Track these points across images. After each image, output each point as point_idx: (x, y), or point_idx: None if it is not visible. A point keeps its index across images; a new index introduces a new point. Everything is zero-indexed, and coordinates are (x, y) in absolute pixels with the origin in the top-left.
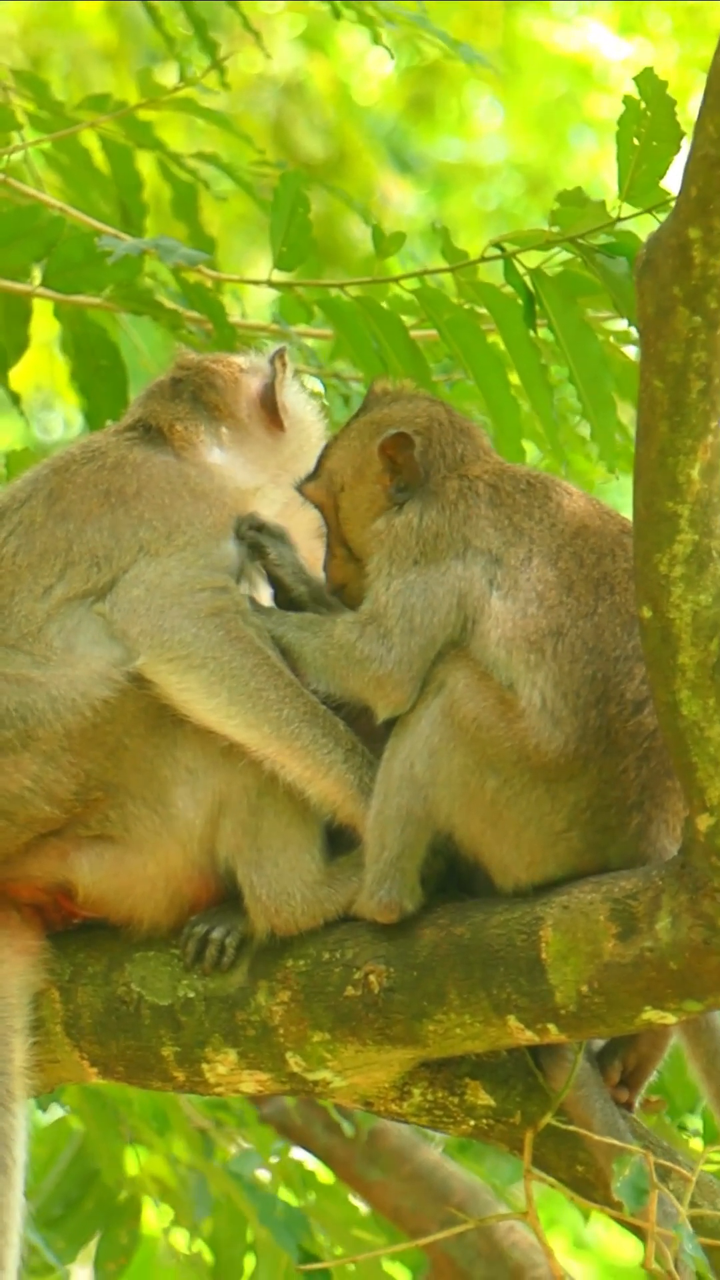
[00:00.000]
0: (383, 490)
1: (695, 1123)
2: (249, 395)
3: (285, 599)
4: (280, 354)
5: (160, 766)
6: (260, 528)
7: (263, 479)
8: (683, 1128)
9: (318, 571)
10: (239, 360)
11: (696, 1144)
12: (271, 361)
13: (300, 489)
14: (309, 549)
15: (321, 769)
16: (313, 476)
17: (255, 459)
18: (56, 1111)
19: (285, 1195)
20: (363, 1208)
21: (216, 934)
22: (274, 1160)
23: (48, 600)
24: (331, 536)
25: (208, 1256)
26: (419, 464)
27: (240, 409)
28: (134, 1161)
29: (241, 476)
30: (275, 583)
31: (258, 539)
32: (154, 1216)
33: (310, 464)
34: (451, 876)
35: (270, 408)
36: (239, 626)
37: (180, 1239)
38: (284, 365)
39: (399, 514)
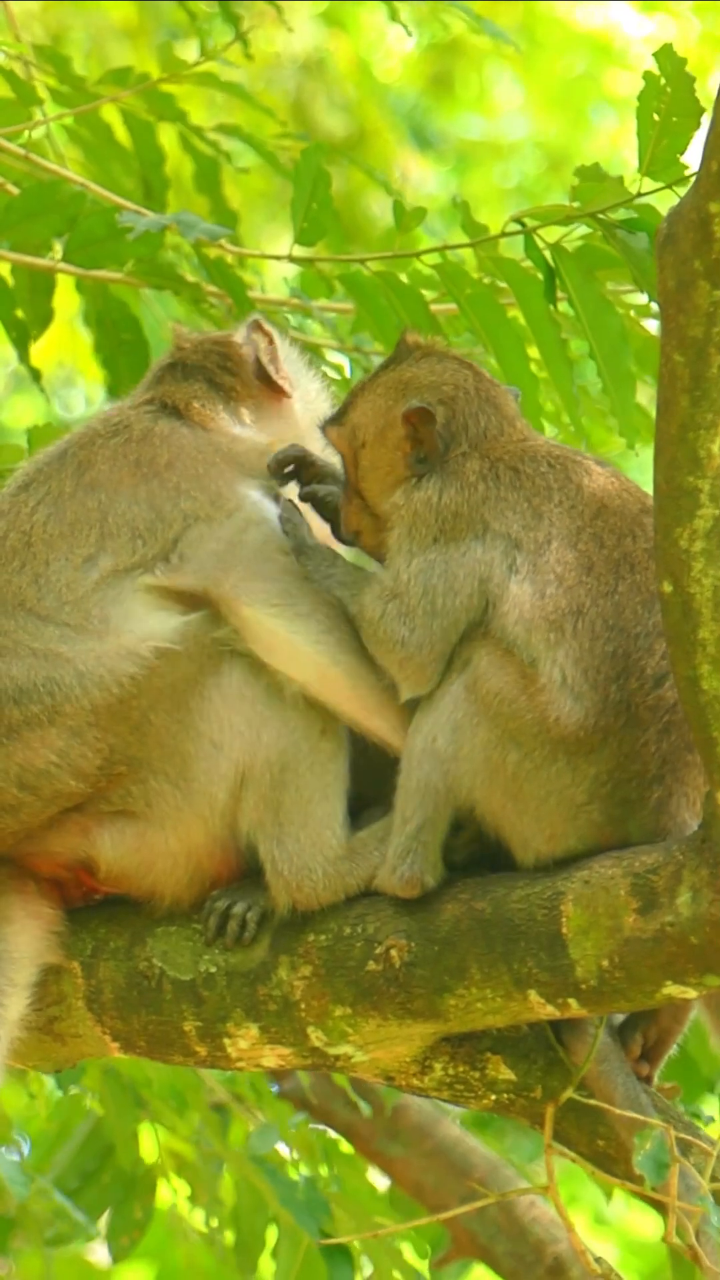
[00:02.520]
0: (402, 457)
1: (711, 1103)
2: (250, 370)
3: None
4: (254, 324)
5: (183, 741)
6: (303, 460)
7: (281, 440)
8: (696, 1115)
9: None
10: (238, 336)
11: (712, 1131)
12: (249, 332)
13: (324, 430)
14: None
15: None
16: (337, 421)
17: (274, 431)
18: (72, 1088)
19: (305, 1168)
20: (382, 1184)
21: (238, 909)
22: (292, 1131)
23: (93, 570)
24: (349, 484)
25: (228, 1236)
26: (440, 438)
27: (251, 387)
28: (151, 1138)
29: (262, 439)
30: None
31: (312, 492)
32: (170, 1192)
33: (315, 420)
34: (484, 857)
35: (265, 379)
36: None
37: (198, 1216)
38: (264, 334)
39: (418, 489)
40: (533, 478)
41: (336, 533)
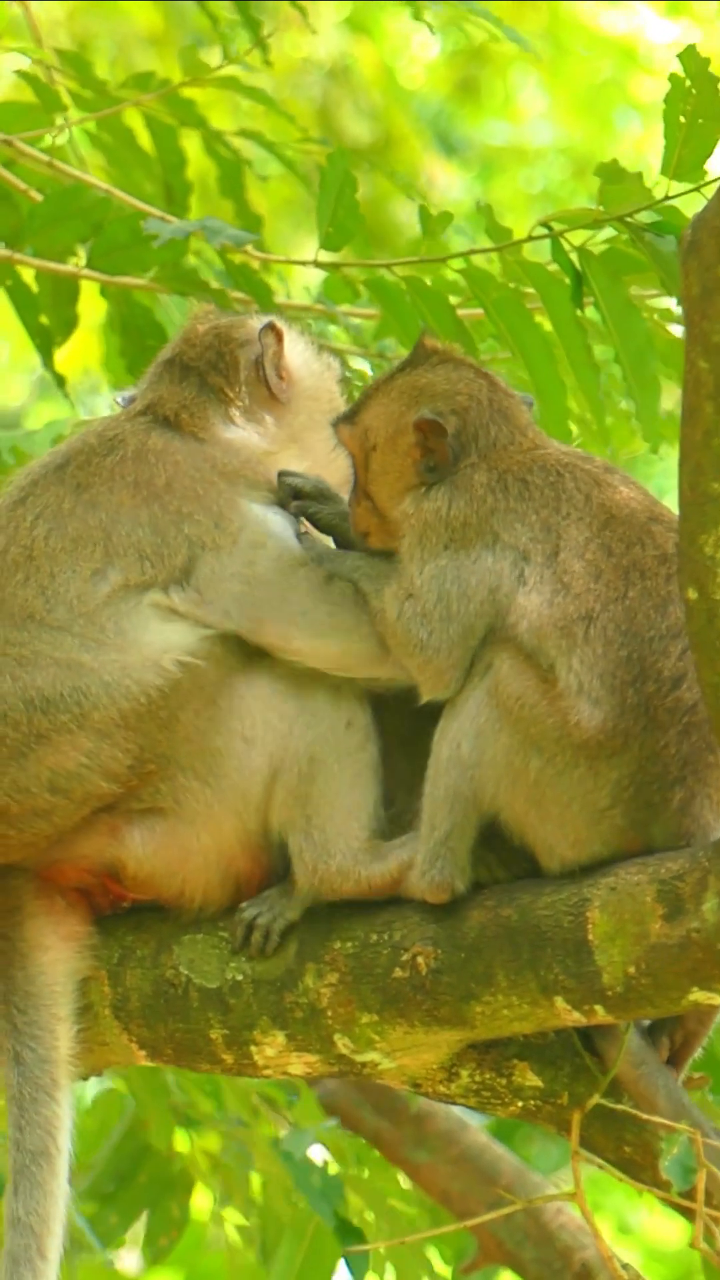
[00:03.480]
0: (412, 464)
1: None
2: (247, 372)
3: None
4: (269, 326)
5: (213, 738)
6: (298, 490)
7: (277, 446)
8: None
9: None
10: (239, 333)
11: None
12: (260, 336)
13: (335, 428)
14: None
15: None
16: (349, 420)
17: (265, 434)
18: (106, 1083)
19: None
20: (406, 1186)
21: (262, 919)
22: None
23: (103, 584)
24: (358, 484)
25: (259, 1237)
26: (451, 449)
27: (242, 388)
28: (184, 1140)
29: (258, 444)
30: (333, 533)
31: (303, 508)
32: (204, 1200)
33: (326, 430)
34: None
35: (264, 382)
36: (349, 589)
37: (232, 1215)
38: (276, 338)
39: (427, 499)
40: (541, 489)
41: (341, 547)
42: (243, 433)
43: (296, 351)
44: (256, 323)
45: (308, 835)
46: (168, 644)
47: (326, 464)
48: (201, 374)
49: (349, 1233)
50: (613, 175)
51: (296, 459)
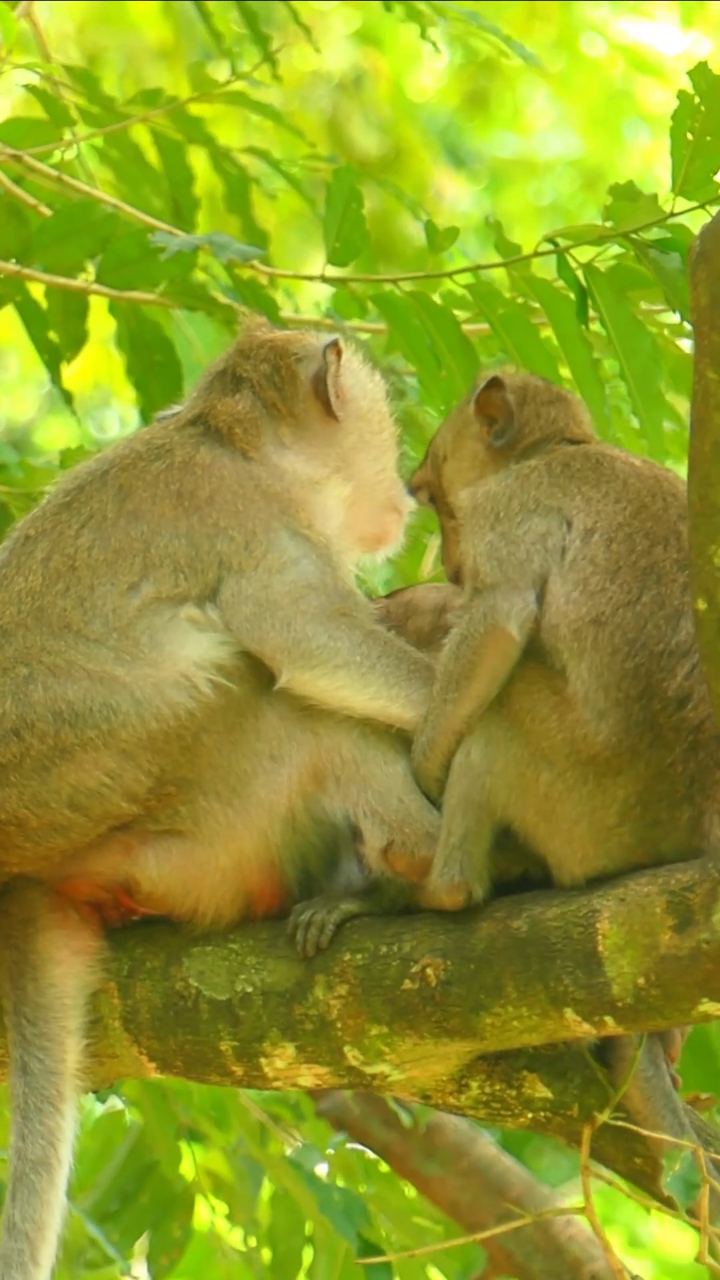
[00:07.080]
0: (483, 445)
1: None
2: (304, 388)
3: None
4: (334, 344)
5: (237, 760)
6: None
7: (324, 473)
8: None
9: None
10: (296, 348)
11: None
12: (324, 352)
13: (409, 487)
14: (364, 544)
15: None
16: (421, 466)
17: (316, 454)
18: (114, 1103)
19: (343, 1184)
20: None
21: (319, 916)
22: (330, 1152)
23: (137, 597)
24: (444, 519)
25: (265, 1254)
26: (513, 410)
27: (297, 404)
28: (190, 1157)
29: (305, 472)
30: None
31: None
32: (208, 1212)
33: (374, 452)
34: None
35: (323, 399)
36: (360, 619)
37: (234, 1235)
38: (338, 356)
39: (478, 486)
40: (584, 470)
41: None
42: (292, 456)
43: (352, 370)
44: (315, 339)
45: (376, 812)
46: (201, 657)
47: (373, 485)
48: (255, 386)
49: (372, 1254)
50: (627, 195)
51: (343, 483)
